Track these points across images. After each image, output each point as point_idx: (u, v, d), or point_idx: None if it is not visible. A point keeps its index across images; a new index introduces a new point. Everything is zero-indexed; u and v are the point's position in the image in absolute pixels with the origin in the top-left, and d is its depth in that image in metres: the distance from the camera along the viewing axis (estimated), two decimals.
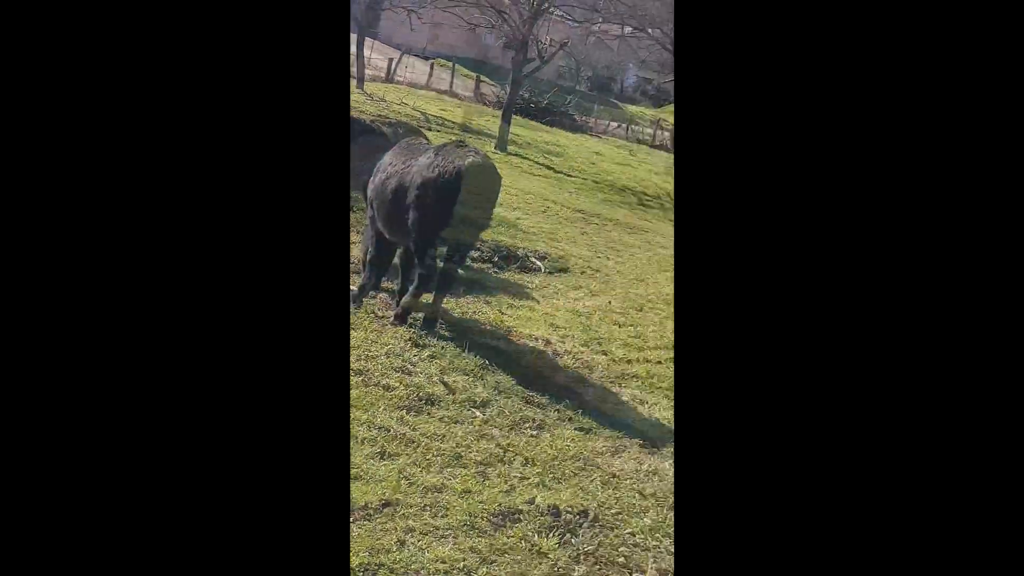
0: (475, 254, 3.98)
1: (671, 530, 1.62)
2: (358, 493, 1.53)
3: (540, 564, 1.47)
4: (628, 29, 11.94)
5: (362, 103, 8.54)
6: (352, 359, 2.21)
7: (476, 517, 1.56)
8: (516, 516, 1.59)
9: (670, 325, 3.41)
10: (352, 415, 1.79)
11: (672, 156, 13.03)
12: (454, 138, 4.84)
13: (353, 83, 9.96)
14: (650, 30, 11.14)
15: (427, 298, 2.82)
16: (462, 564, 1.39)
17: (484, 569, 1.39)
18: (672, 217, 8.14)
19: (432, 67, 14.35)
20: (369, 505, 1.53)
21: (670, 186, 10.01)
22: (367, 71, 11.17)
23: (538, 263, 4.46)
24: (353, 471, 1.57)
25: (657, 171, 11.56)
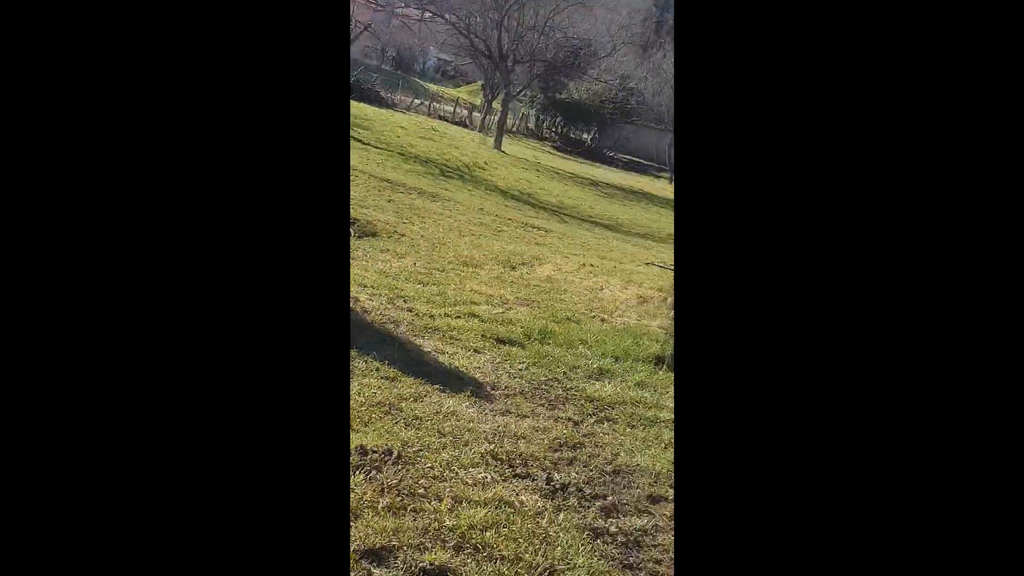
0: None
1: (466, 462, 1.90)
2: None
3: (352, 494, 1.64)
4: (428, 15, 12.75)
5: None
6: None
7: None
8: None
9: (469, 284, 3.92)
10: None
11: (473, 132, 14.08)
12: None
13: None
14: (447, 16, 12.01)
15: None
16: None
17: None
18: (469, 187, 9.44)
19: None
20: None
21: (467, 158, 11.29)
22: None
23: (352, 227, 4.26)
24: None
25: (456, 144, 12.18)
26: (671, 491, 1.87)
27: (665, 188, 13.96)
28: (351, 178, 6.20)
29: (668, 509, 1.83)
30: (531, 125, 16.04)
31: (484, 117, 14.66)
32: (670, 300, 3.74)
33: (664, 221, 10.41)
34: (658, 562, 1.61)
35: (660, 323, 3.56)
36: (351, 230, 4.63)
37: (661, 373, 2.88)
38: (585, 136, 15.70)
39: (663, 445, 2.22)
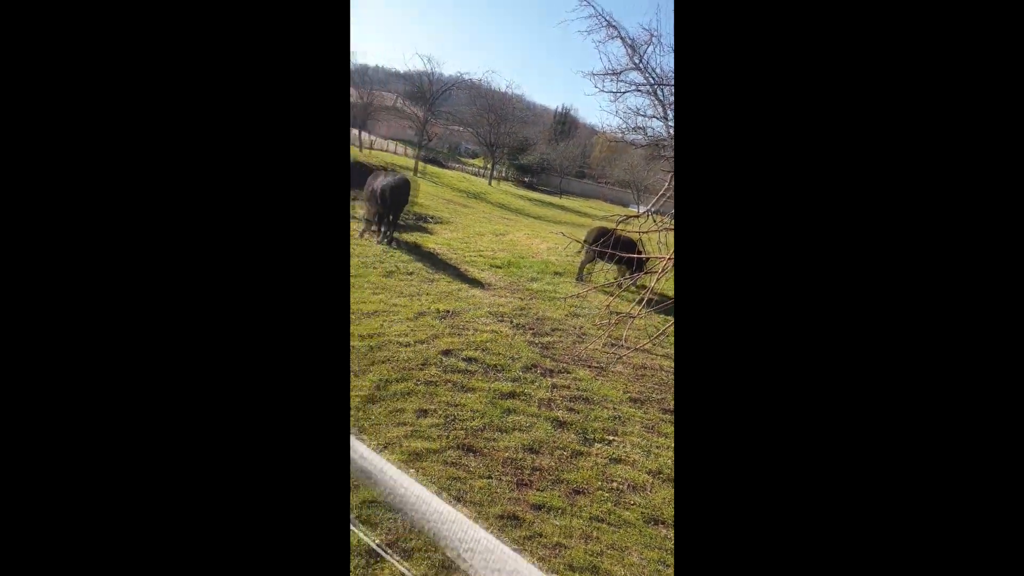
0: (405, 216, 8.84)
1: (479, 315, 5.48)
2: (366, 307, 4.93)
3: (433, 330, 4.62)
4: (462, 128, 30.83)
5: (363, 157, 17.63)
6: (358, 258, 6.21)
7: (410, 315, 4.90)
8: (425, 314, 5.34)
9: (480, 242, 8.72)
10: (361, 279, 5.63)
11: (481, 178, 30.34)
12: (396, 170, 10.20)
13: (358, 150, 24.08)
14: (470, 129, 29.34)
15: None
16: (406, 332, 5.02)
17: (413, 333, 5.07)
18: (479, 201, 19.17)
19: (388, 143, 32.47)
20: (370, 312, 4.74)
21: (478, 189, 23.73)
22: (364, 145, 26.56)
23: (430, 220, 9.82)
24: (363, 302, 5.00)
25: (474, 184, 25.69)
26: None
27: (561, 201, 29.36)
28: (430, 199, 12.79)
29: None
30: (504, 175, 33.11)
31: (487, 171, 30.48)
32: (563, 249, 8.20)
33: (560, 215, 23.37)
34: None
35: (557, 259, 8.00)
36: (431, 220, 9.57)
37: (553, 280, 7.25)
38: (528, 178, 35.85)
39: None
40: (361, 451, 1.46)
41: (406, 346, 4.07)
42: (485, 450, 2.96)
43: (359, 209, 8.62)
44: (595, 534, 2.48)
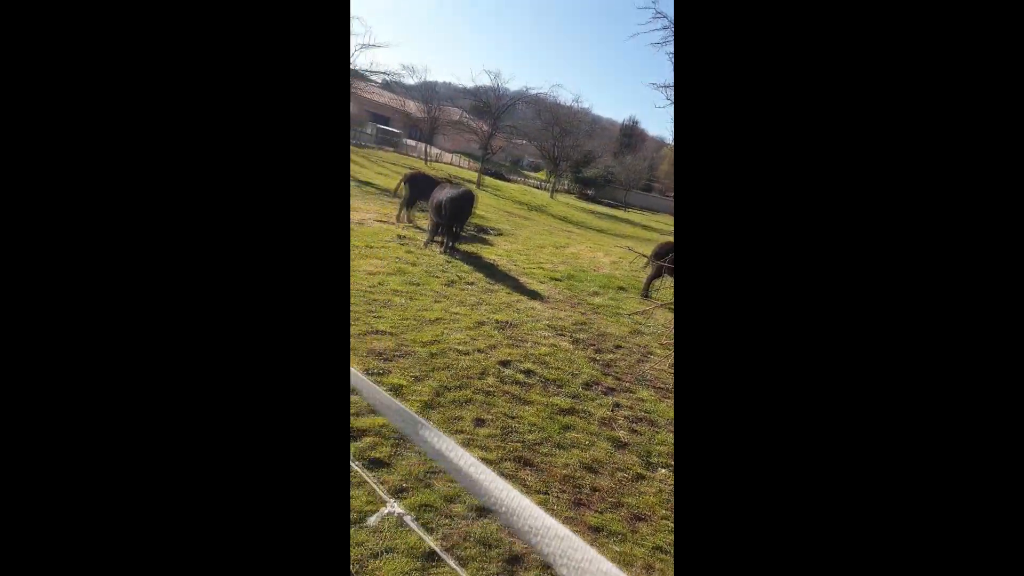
0: (467, 228, 8.94)
1: (538, 327, 5.21)
2: (428, 315, 4.77)
3: (492, 340, 4.76)
4: (525, 142, 31.26)
5: (427, 170, 20.72)
6: (423, 267, 6.37)
7: (470, 324, 4.84)
8: (484, 323, 5.30)
9: (539, 254, 8.79)
10: (424, 287, 5.71)
11: (543, 191, 30.44)
12: (460, 182, 10.15)
13: (424, 162, 25.33)
14: (533, 142, 30.14)
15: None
16: (466, 340, 4.37)
17: (473, 341, 4.58)
18: (540, 214, 19.74)
19: (453, 156, 34.08)
20: (431, 319, 4.62)
21: (540, 202, 23.88)
22: (430, 158, 27.97)
23: (491, 232, 9.98)
24: (425, 309, 4.93)
25: (535, 196, 26.10)
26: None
27: (625, 215, 28.92)
28: (493, 212, 13.24)
29: None
30: (567, 188, 33.41)
31: (550, 185, 31.32)
32: (629, 263, 8.16)
33: (624, 228, 23.99)
34: None
35: (621, 273, 7.97)
36: (492, 232, 9.65)
37: (616, 295, 7.25)
38: (590, 191, 35.33)
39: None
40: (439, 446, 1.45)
41: (465, 354, 4.09)
42: (542, 465, 2.89)
43: (425, 220, 8.95)
44: (657, 565, 2.33)
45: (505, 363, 4.06)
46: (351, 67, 19.44)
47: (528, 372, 3.98)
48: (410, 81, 28.39)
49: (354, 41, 19.75)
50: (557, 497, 2.64)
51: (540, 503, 2.55)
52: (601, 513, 2.59)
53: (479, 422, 3.18)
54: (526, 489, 2.65)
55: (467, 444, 2.92)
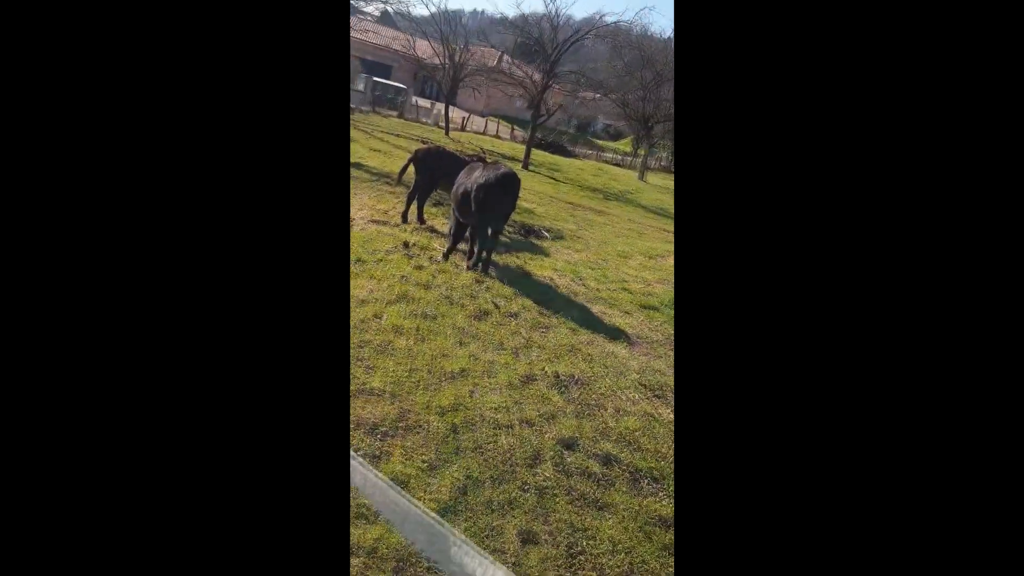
0: (508, 229, 9.14)
1: (624, 385, 4.87)
2: (448, 364, 4.71)
3: (548, 405, 4.31)
4: (597, 95, 30.82)
5: (448, 144, 19.76)
6: (440, 291, 6.34)
7: (513, 379, 4.67)
8: (535, 378, 4.78)
9: (623, 269, 9.10)
10: (442, 321, 5.54)
11: (626, 170, 28.58)
12: (497, 160, 10.21)
13: (443, 131, 26.68)
14: (610, 96, 29.26)
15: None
16: (506, 406, 4.20)
17: (518, 408, 4.18)
18: (623, 205, 19.86)
19: (487, 121, 36.77)
20: (453, 372, 4.58)
21: (621, 187, 24.71)
22: (450, 124, 28.32)
23: (546, 233, 9.98)
24: (443, 356, 4.81)
25: (614, 178, 26.91)
26: None
27: None
28: (548, 202, 13.41)
29: None
30: (665, 164, 33.37)
31: (638, 161, 31.30)
32: None
33: None
34: None
35: None
36: (547, 234, 9.66)
37: None
38: None
39: None
40: None
41: (506, 428, 4.01)
42: None
43: (444, 219, 9.09)
44: None
45: (570, 444, 3.96)
46: None
47: (607, 459, 3.87)
48: (422, 10, 26.58)
49: None
50: None
51: None
52: None
53: (528, 537, 3.07)
54: None
55: (511, 571, 2.83)
